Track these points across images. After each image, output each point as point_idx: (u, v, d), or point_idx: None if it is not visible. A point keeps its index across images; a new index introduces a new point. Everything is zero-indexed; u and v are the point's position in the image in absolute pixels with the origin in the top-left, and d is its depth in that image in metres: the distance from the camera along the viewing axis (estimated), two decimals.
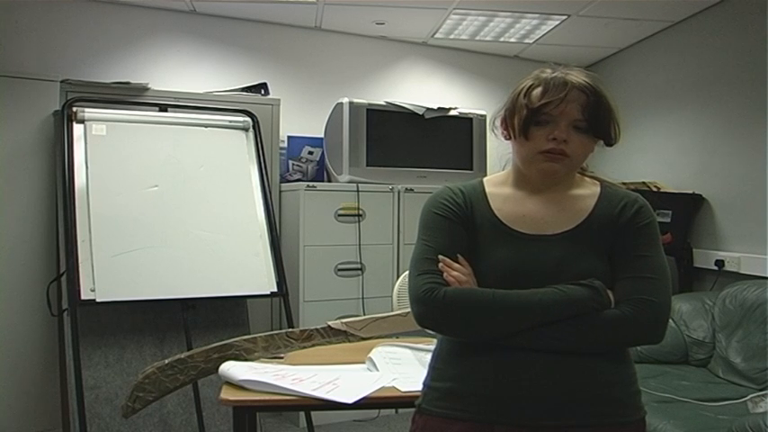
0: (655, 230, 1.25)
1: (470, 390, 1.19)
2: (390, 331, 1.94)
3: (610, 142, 1.28)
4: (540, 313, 1.15)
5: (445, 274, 1.21)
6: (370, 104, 3.58)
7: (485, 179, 1.36)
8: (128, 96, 3.12)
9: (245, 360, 1.80)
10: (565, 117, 1.21)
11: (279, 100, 3.56)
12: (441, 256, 1.23)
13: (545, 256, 1.21)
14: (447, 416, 1.21)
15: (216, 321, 2.91)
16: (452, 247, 1.25)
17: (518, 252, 1.23)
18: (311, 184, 3.47)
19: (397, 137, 3.67)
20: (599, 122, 1.23)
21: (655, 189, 3.73)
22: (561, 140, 1.21)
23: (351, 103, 3.52)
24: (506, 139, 1.31)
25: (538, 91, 1.23)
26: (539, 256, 1.22)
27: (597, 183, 1.32)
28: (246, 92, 3.59)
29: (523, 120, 1.23)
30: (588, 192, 1.30)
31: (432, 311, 1.20)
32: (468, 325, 1.19)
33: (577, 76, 1.23)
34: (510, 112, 1.28)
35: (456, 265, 1.23)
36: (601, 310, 1.16)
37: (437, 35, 4.13)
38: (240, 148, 3.09)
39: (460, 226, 1.27)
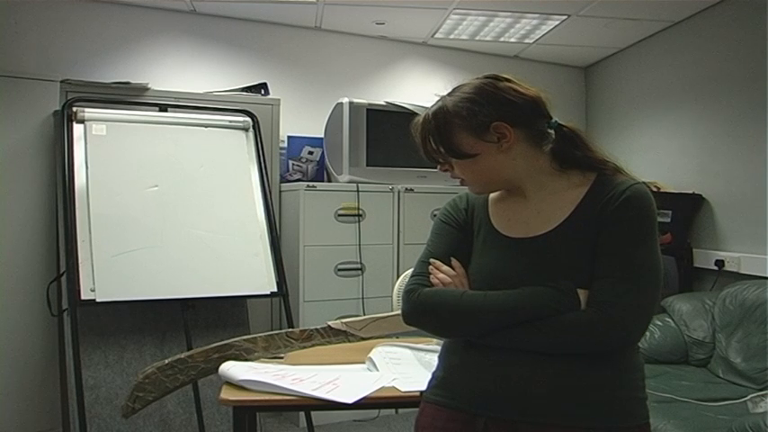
0: (641, 223, 1.15)
1: (458, 380, 1.23)
2: (390, 331, 1.93)
3: (487, 139, 1.21)
4: (496, 315, 1.16)
5: (431, 276, 1.27)
6: (370, 104, 3.58)
7: None
8: (128, 96, 3.12)
9: (245, 360, 1.79)
10: (429, 154, 1.28)
11: (279, 100, 3.56)
12: (431, 259, 1.29)
13: (523, 259, 1.20)
14: (438, 403, 1.25)
15: (216, 321, 2.91)
16: (447, 251, 1.30)
17: (499, 256, 1.24)
18: (311, 184, 3.47)
19: (397, 137, 3.66)
20: (444, 145, 1.25)
21: (655, 189, 3.73)
22: (444, 171, 1.30)
23: (351, 103, 3.52)
24: None
25: None
26: (517, 260, 1.21)
27: (595, 173, 1.23)
28: (246, 92, 3.59)
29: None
30: (579, 187, 1.22)
31: (409, 310, 1.27)
32: (437, 324, 1.26)
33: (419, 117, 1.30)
34: None
35: (444, 267, 1.27)
36: (563, 313, 1.13)
37: (437, 35, 4.13)
38: (240, 148, 3.09)
39: (458, 231, 1.32)
